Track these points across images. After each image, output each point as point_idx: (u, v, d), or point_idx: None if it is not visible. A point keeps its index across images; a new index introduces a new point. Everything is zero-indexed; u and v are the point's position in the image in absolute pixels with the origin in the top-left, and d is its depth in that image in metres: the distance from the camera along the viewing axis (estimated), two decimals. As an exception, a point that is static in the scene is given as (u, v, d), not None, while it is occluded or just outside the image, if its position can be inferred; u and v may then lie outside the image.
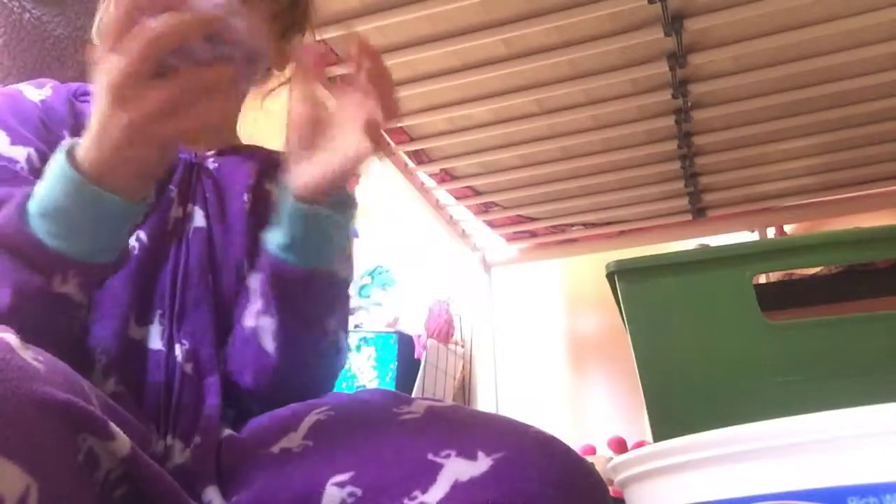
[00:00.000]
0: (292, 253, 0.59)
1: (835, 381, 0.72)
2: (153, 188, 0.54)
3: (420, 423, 0.50)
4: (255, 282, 0.63)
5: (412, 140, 1.43)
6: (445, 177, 1.55)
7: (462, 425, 0.49)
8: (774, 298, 0.84)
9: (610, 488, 0.51)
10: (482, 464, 0.44)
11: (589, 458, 1.72)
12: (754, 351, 0.75)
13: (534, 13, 1.10)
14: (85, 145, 0.49)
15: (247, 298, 0.63)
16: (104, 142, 0.48)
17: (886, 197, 1.53)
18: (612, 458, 0.65)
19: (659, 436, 0.74)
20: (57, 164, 0.50)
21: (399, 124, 1.37)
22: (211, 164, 0.72)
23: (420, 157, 1.49)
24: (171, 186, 0.67)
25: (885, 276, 0.86)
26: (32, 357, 0.39)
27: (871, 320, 0.74)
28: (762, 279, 1.15)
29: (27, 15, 0.94)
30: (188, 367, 0.61)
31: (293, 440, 0.53)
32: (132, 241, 0.62)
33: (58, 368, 0.41)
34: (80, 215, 0.49)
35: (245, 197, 0.71)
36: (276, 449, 0.53)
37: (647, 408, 0.77)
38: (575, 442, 1.75)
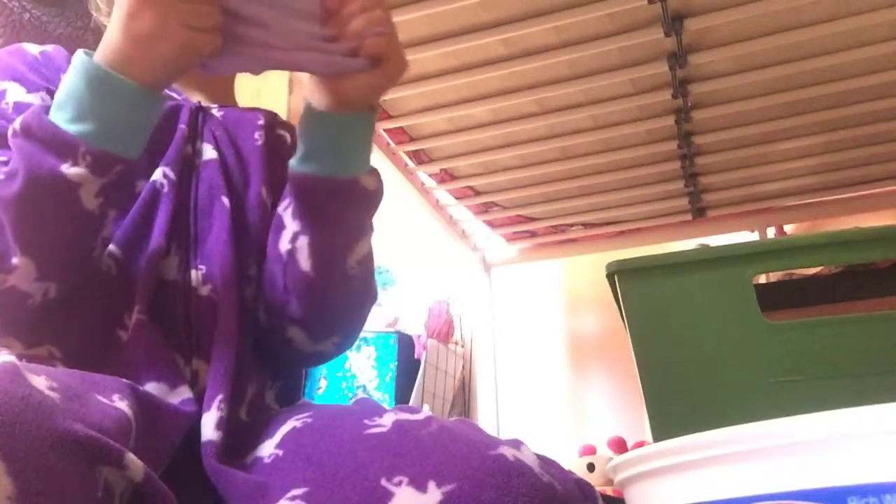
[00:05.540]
0: (313, 162, 0.61)
1: (835, 381, 0.72)
2: (163, 89, 0.56)
3: (383, 438, 0.49)
4: (286, 209, 0.65)
5: (412, 140, 1.43)
6: (445, 177, 1.55)
7: (422, 446, 0.47)
8: (774, 298, 0.83)
9: (610, 488, 0.51)
10: (431, 497, 0.43)
11: (589, 458, 1.72)
12: (754, 351, 0.75)
13: (533, 13, 1.10)
14: (106, 36, 0.53)
15: (281, 227, 0.65)
16: (126, 27, 0.52)
17: (886, 197, 1.53)
18: (612, 458, 0.66)
19: (659, 436, 0.74)
20: (75, 58, 0.54)
21: (399, 124, 1.37)
22: (216, 112, 0.73)
23: (420, 157, 1.49)
24: (181, 125, 0.68)
25: (885, 276, 0.86)
26: (46, 385, 0.40)
27: (871, 320, 0.74)
28: (762, 279, 1.15)
29: (27, 15, 0.94)
30: (205, 290, 0.62)
31: (266, 448, 0.53)
32: (161, 178, 0.65)
33: (70, 390, 0.42)
34: (90, 96, 0.53)
35: (257, 135, 0.73)
36: (249, 459, 0.54)
37: (647, 408, 0.77)
38: (575, 442, 1.75)
